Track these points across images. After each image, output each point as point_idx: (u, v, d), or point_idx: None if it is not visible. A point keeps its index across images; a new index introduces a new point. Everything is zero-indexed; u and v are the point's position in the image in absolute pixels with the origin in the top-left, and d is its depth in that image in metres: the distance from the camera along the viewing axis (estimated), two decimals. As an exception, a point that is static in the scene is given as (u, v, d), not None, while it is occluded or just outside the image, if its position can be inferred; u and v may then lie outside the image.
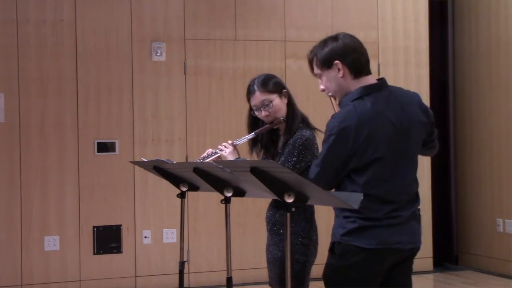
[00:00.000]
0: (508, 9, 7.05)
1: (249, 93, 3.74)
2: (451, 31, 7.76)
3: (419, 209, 3.08)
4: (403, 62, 7.10)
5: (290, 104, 3.75)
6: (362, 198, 2.63)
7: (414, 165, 3.07)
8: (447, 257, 7.59)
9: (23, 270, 6.18)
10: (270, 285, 3.77)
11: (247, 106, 3.85)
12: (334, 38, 3.09)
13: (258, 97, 3.70)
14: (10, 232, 6.16)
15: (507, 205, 7.02)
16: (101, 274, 6.35)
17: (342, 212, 2.97)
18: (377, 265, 2.97)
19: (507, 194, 7.02)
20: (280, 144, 3.73)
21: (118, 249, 6.41)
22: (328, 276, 3.07)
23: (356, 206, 2.60)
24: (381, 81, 3.06)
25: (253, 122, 3.81)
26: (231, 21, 6.73)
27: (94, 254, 6.35)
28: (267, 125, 3.74)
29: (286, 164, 3.56)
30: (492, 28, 7.23)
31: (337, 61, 3.01)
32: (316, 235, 3.71)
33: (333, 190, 3.06)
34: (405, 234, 2.98)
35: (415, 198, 3.06)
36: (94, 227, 6.35)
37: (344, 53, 3.02)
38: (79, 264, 6.30)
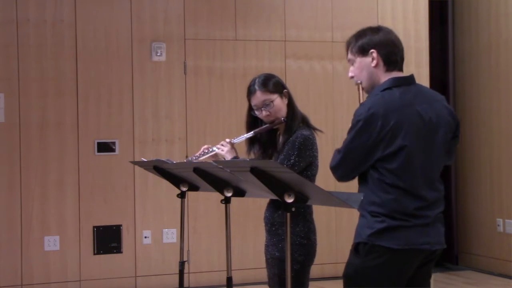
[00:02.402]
0: (508, 9, 7.06)
1: (250, 93, 3.74)
2: (451, 31, 7.76)
3: (442, 212, 3.05)
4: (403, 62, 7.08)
5: (290, 104, 3.74)
6: (362, 198, 2.63)
7: (440, 162, 3.03)
8: (447, 257, 7.59)
9: (23, 270, 6.18)
10: (269, 285, 3.77)
11: (247, 106, 3.85)
12: (376, 29, 3.11)
13: (259, 97, 3.69)
14: (10, 232, 6.16)
15: (507, 205, 7.02)
16: (101, 274, 6.35)
17: (369, 207, 2.92)
18: (403, 266, 2.94)
19: (507, 194, 7.02)
20: (279, 144, 3.73)
21: (118, 249, 6.41)
22: (351, 276, 3.01)
23: (356, 206, 2.59)
24: (410, 76, 3.09)
25: (252, 122, 3.80)
26: (231, 21, 6.73)
27: (94, 254, 6.35)
28: (267, 125, 3.73)
29: (285, 163, 3.55)
30: (492, 28, 7.23)
31: (373, 50, 3.04)
32: (315, 235, 3.70)
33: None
34: (432, 235, 2.96)
35: (441, 199, 3.03)
36: (94, 227, 6.35)
37: (382, 44, 3.05)
38: (79, 264, 6.30)
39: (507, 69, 7.03)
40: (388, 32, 3.10)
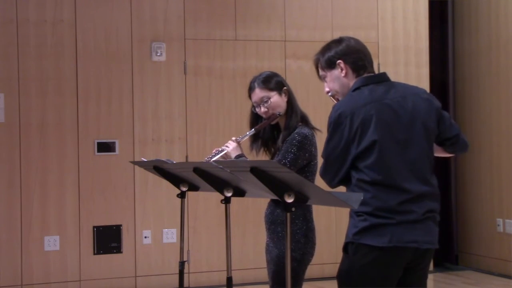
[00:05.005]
0: (508, 9, 7.06)
1: (250, 89, 3.85)
2: (451, 31, 7.76)
3: (437, 213, 3.00)
4: (403, 62, 7.09)
5: (290, 101, 3.82)
6: (362, 198, 2.63)
7: (426, 154, 3.00)
8: (447, 257, 7.59)
9: (23, 270, 6.18)
10: (269, 283, 3.78)
11: (247, 106, 3.91)
12: (338, 41, 3.17)
13: (258, 94, 3.79)
14: (10, 232, 6.16)
15: (507, 205, 7.02)
16: (101, 274, 6.35)
17: None
18: (389, 264, 2.92)
19: (507, 194, 7.02)
20: (279, 140, 3.78)
21: (118, 249, 6.41)
22: (341, 276, 3.04)
23: (356, 206, 2.59)
24: (381, 74, 3.13)
25: (255, 119, 3.89)
26: (231, 21, 6.73)
27: (94, 254, 6.35)
28: (265, 121, 3.81)
29: (283, 161, 3.60)
30: (492, 28, 7.23)
31: (339, 61, 3.10)
32: (314, 234, 3.71)
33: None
34: (421, 233, 2.92)
35: (434, 195, 2.99)
36: (94, 227, 6.35)
37: (347, 53, 3.11)
38: (79, 264, 6.30)
39: (507, 69, 7.03)
40: (350, 40, 3.16)
